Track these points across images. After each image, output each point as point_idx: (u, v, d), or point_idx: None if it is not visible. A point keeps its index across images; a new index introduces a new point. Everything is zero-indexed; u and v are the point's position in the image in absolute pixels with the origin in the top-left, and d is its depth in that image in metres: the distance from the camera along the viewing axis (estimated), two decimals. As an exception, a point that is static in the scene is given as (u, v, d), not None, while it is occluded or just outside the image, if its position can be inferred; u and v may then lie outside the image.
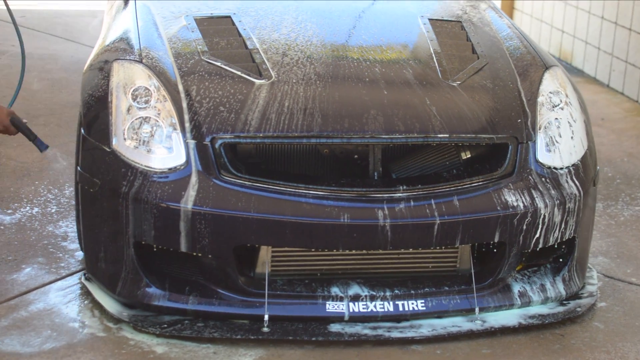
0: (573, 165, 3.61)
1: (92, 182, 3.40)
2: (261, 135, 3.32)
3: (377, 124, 3.37)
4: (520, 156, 3.51)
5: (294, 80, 3.53)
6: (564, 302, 3.65)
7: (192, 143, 3.34)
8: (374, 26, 4.06)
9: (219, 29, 3.89)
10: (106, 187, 3.36)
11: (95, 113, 3.51)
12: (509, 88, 3.70)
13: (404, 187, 3.35)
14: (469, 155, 3.57)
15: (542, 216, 3.45)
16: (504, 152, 3.51)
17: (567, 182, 3.54)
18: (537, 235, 3.47)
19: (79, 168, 3.51)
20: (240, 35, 3.82)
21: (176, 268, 3.41)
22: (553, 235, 3.51)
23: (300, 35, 3.87)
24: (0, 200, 4.44)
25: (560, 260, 3.68)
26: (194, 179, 3.29)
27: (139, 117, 3.39)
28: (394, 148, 3.53)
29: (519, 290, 3.54)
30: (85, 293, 3.58)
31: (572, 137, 3.64)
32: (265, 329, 3.31)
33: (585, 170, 3.64)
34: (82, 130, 3.54)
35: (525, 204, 3.42)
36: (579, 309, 3.60)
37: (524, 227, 3.43)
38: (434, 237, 3.33)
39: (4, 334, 3.27)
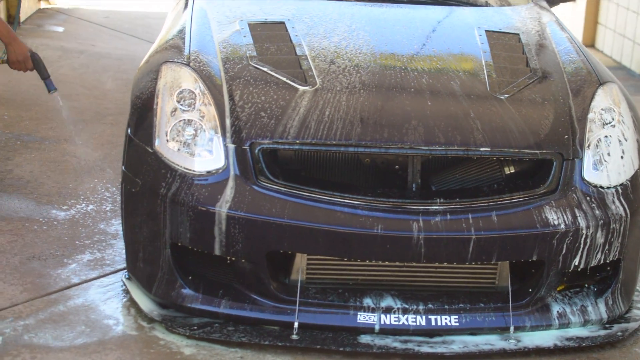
0: (621, 185, 3.50)
1: (134, 182, 3.46)
2: (299, 142, 3.33)
3: (416, 135, 3.34)
4: (565, 173, 3.43)
5: (338, 88, 3.52)
6: (607, 325, 3.55)
7: (231, 147, 3.36)
8: (428, 36, 4.03)
9: (271, 35, 3.91)
10: (147, 188, 3.41)
11: (141, 114, 3.56)
12: (559, 103, 3.62)
13: (441, 200, 3.31)
14: (513, 171, 3.50)
15: (583, 236, 3.36)
16: (548, 169, 3.44)
17: (613, 202, 3.44)
18: (578, 255, 3.38)
19: (123, 168, 3.57)
20: (291, 41, 3.83)
21: (211, 271, 3.44)
22: (595, 257, 3.42)
23: (351, 43, 3.86)
24: (58, 196, 4.56)
25: (605, 282, 3.58)
26: (231, 183, 3.31)
27: (183, 120, 3.43)
28: (435, 160, 3.48)
29: (557, 311, 3.45)
30: (125, 292, 3.64)
31: (622, 156, 3.54)
32: (295, 337, 3.30)
33: (634, 190, 3.53)
34: (129, 130, 3.60)
35: (567, 222, 3.34)
36: (620, 334, 3.49)
37: (565, 246, 3.34)
38: (470, 253, 3.27)
39: (39, 327, 3.35)
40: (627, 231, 3.48)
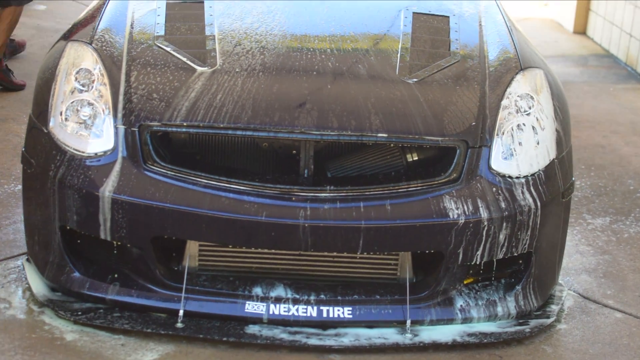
0: (533, 175, 3.34)
1: (30, 163, 3.38)
2: (186, 124, 3.21)
3: (309, 119, 3.20)
4: (469, 162, 3.27)
5: (237, 70, 3.40)
6: (522, 321, 3.40)
7: (121, 129, 3.26)
8: (349, 18, 3.88)
9: (186, 14, 3.79)
10: (39, 169, 3.33)
11: (42, 94, 3.47)
12: (473, 89, 3.46)
13: (332, 187, 3.18)
14: (416, 158, 3.36)
15: (486, 228, 3.21)
16: (451, 157, 3.28)
17: (522, 193, 3.28)
18: (481, 248, 3.23)
19: (23, 148, 3.49)
20: (203, 21, 3.72)
21: (101, 255, 3.35)
22: (501, 250, 3.27)
23: (264, 25, 3.73)
24: (-12, 176, 4.50)
25: (516, 276, 3.43)
26: (117, 166, 3.21)
27: (78, 100, 3.33)
28: (335, 145, 3.35)
29: (461, 305, 3.31)
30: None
31: (537, 145, 3.37)
32: (179, 325, 3.20)
33: (548, 181, 3.36)
34: (30, 111, 3.52)
35: (467, 214, 3.19)
36: (527, 330, 3.34)
37: (465, 238, 3.20)
38: (360, 243, 3.14)
39: None
40: (538, 224, 3.32)
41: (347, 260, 3.34)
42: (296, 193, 3.16)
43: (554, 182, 3.40)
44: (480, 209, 3.21)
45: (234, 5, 3.88)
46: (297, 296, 3.26)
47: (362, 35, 3.73)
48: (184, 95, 3.28)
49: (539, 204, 3.31)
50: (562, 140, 3.50)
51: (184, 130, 3.23)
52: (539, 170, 3.36)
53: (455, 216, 3.18)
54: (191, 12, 3.81)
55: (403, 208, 3.18)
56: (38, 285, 3.42)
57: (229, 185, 3.17)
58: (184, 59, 3.45)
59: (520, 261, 3.42)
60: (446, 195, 3.21)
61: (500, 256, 3.29)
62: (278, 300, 3.25)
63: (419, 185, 3.23)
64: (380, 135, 3.21)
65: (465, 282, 3.39)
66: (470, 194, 3.23)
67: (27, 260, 3.56)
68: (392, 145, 3.30)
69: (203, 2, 3.88)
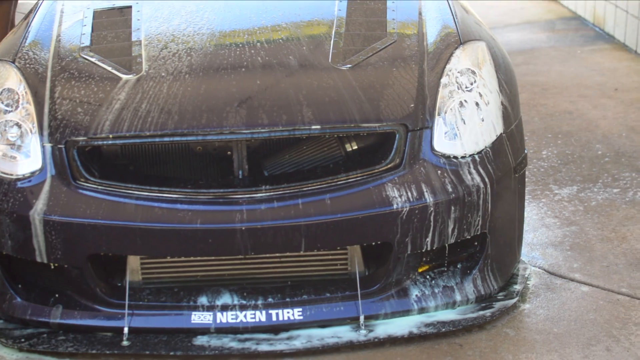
0: (479, 153, 3.21)
1: None
2: (112, 136, 3.09)
3: (238, 118, 3.08)
4: (410, 146, 3.14)
5: (163, 75, 3.27)
6: (484, 304, 3.28)
7: (48, 147, 3.14)
8: (282, 8, 3.74)
9: (113, 22, 3.67)
10: None
11: None
12: (410, 69, 3.33)
13: (267, 186, 3.06)
14: (355, 147, 3.24)
15: (433, 213, 3.09)
16: (391, 143, 3.16)
17: (469, 172, 3.16)
18: (430, 234, 3.11)
19: None
20: (130, 26, 3.59)
21: (41, 279, 3.24)
22: (452, 234, 3.15)
23: (192, 24, 3.60)
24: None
25: (472, 259, 3.31)
26: (47, 185, 3.10)
27: (4, 121, 3.22)
28: (271, 143, 3.22)
29: (416, 295, 3.20)
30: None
31: (481, 122, 3.24)
32: (125, 343, 3.09)
33: (497, 157, 3.24)
34: None
35: (412, 200, 3.07)
36: (489, 314, 3.23)
37: (412, 226, 3.08)
38: (302, 241, 3.03)
39: None
40: (489, 203, 3.20)
41: (295, 259, 3.23)
42: (230, 196, 3.05)
43: (504, 158, 3.28)
44: (426, 194, 3.09)
45: (162, 6, 3.75)
46: (244, 302, 3.15)
47: (294, 25, 3.60)
48: (108, 106, 3.16)
49: (487, 182, 3.19)
50: (510, 113, 3.37)
51: (110, 142, 3.11)
52: (486, 147, 3.24)
53: (400, 204, 3.06)
54: (118, 18, 3.69)
55: (343, 201, 3.06)
56: (-19, 314, 3.31)
57: (161, 195, 3.06)
58: (109, 69, 3.33)
59: (476, 243, 3.30)
60: (388, 183, 3.09)
61: (452, 241, 3.17)
62: (225, 308, 3.14)
63: (359, 175, 3.11)
64: (313, 127, 3.09)
65: (420, 270, 3.27)
66: (414, 180, 3.11)
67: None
68: (326, 136, 3.18)
69: (131, 7, 3.76)
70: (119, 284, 3.22)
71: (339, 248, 3.17)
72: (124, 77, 3.28)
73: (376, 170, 3.11)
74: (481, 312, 3.24)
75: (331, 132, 3.11)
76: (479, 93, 3.29)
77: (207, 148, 3.23)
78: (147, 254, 3.10)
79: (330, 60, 3.33)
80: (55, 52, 3.46)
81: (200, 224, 3.00)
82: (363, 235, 3.08)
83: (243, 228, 2.99)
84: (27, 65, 3.38)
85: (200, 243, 3.01)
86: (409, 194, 3.08)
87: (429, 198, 3.09)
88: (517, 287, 3.41)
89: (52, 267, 3.14)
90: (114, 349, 3.08)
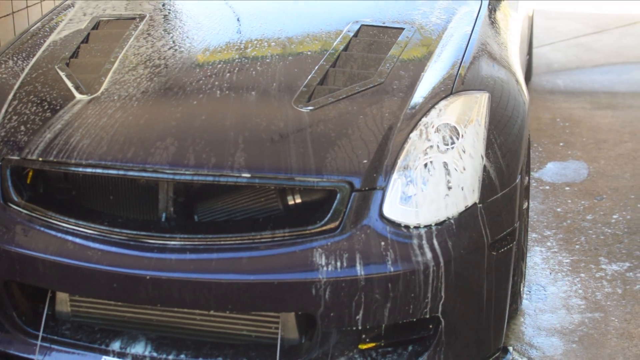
0: (438, 224, 2.78)
1: None
2: (42, 160, 2.92)
3: (164, 156, 2.82)
4: (352, 207, 2.76)
5: (115, 98, 3.07)
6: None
7: None
8: (280, 35, 3.43)
9: (110, 33, 3.52)
10: None
11: None
12: (381, 118, 2.93)
13: (182, 235, 2.79)
14: (299, 201, 2.89)
15: (364, 288, 2.70)
16: (331, 202, 2.79)
17: (419, 246, 2.74)
18: (361, 312, 2.73)
19: None
20: (118, 41, 3.43)
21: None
22: (389, 314, 2.74)
23: (177, 44, 3.39)
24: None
25: (422, 344, 2.88)
26: None
27: None
28: (207, 186, 2.92)
29: (350, 375, 2.82)
30: None
31: (447, 189, 2.80)
32: (31, 377, 2.95)
33: (462, 232, 2.79)
34: None
35: (339, 270, 2.70)
36: (425, 408, 2.80)
37: (338, 300, 2.71)
38: (210, 300, 2.74)
39: None
40: (443, 284, 2.76)
41: (225, 316, 2.93)
42: (143, 240, 2.80)
43: (473, 233, 2.82)
44: (358, 266, 2.71)
45: (163, 22, 3.56)
46: (155, 354, 2.90)
47: (281, 56, 3.28)
48: (50, 127, 3.00)
49: (441, 260, 2.75)
50: (495, 182, 2.90)
51: (37, 166, 2.94)
52: (448, 218, 2.79)
53: (325, 274, 2.70)
54: (117, 30, 3.54)
55: (262, 261, 2.73)
56: None
57: (77, 229, 2.86)
58: (70, 86, 3.18)
59: (430, 326, 2.87)
60: (318, 248, 2.73)
61: (390, 322, 2.77)
62: (135, 357, 2.91)
63: (286, 234, 2.76)
64: (243, 175, 2.78)
65: (361, 347, 2.88)
66: (349, 248, 2.72)
67: None
68: (257, 186, 2.85)
69: (134, 19, 3.59)
70: (49, 312, 3.07)
71: (252, 313, 2.85)
72: (78, 96, 3.11)
73: (306, 232, 2.76)
74: (424, 404, 2.82)
75: (261, 182, 2.79)
76: (456, 156, 2.84)
77: (138, 183, 2.99)
78: (56, 289, 2.92)
79: (293, 99, 3.00)
80: (37, 62, 3.37)
81: (106, 265, 2.78)
82: (280, 303, 2.74)
83: (148, 277, 2.74)
84: (4, 72, 3.30)
85: (106, 287, 2.80)
86: (338, 263, 2.71)
87: (360, 271, 2.70)
88: (480, 380, 2.95)
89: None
90: (19, 382, 2.94)
